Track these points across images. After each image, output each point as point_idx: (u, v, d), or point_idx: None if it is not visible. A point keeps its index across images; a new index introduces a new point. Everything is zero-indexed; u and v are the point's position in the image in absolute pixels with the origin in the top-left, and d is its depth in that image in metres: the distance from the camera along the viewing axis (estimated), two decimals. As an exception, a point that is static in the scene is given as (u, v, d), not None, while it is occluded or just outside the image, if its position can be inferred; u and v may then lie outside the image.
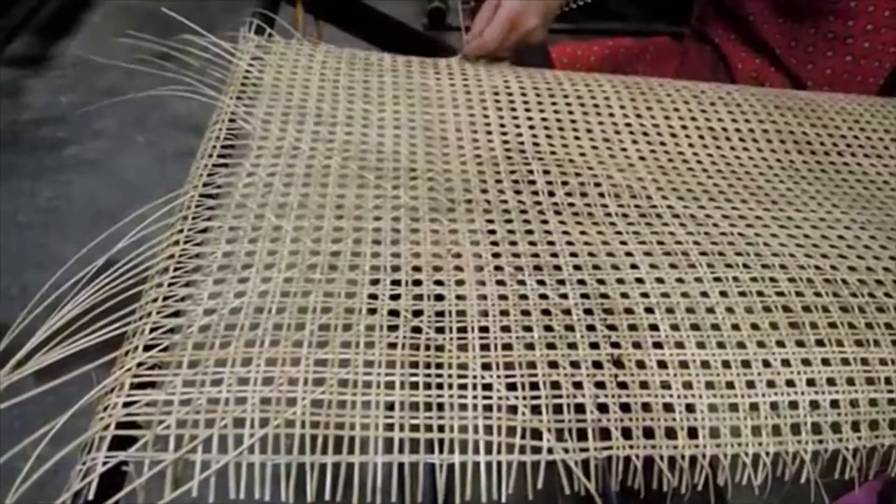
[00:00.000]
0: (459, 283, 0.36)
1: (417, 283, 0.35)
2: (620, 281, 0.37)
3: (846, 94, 0.59)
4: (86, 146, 1.74)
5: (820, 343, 0.35)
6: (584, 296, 0.36)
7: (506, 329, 0.33)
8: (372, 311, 0.34)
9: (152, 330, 0.32)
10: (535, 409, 0.31)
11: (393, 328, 0.33)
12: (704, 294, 0.36)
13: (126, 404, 0.29)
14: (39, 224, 1.52)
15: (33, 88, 1.92)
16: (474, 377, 0.31)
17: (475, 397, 0.31)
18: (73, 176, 1.66)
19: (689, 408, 0.32)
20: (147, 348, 0.31)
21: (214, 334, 0.32)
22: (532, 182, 0.44)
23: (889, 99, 0.59)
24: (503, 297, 0.35)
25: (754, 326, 0.35)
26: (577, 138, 0.48)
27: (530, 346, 0.33)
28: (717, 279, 0.37)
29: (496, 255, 0.38)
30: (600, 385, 0.32)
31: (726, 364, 0.34)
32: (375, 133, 0.47)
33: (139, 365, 0.30)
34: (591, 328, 0.34)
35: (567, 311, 0.35)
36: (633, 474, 0.31)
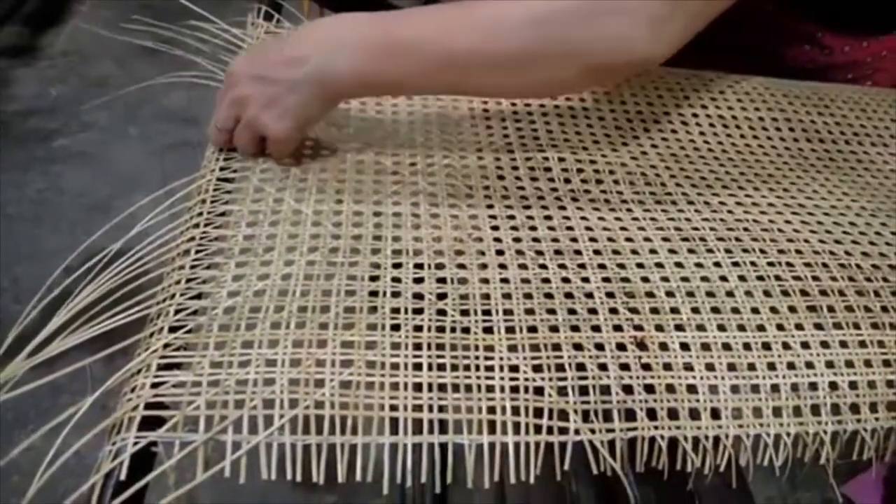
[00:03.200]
0: (482, 266, 0.36)
1: (440, 266, 0.35)
2: (640, 265, 0.37)
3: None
4: (76, 138, 1.72)
5: (837, 326, 0.35)
6: (606, 279, 0.36)
7: (530, 312, 0.34)
8: (396, 295, 0.34)
9: (177, 312, 0.31)
10: (562, 391, 0.31)
11: (418, 311, 0.33)
12: (723, 278, 0.37)
13: (154, 385, 0.28)
14: (30, 216, 1.50)
15: (22, 79, 1.89)
16: (501, 359, 0.31)
17: (502, 379, 0.31)
18: (63, 168, 1.64)
19: (713, 389, 0.32)
20: (172, 330, 0.31)
21: (240, 316, 0.31)
22: (548, 169, 0.44)
23: (894, 91, 0.60)
24: (526, 281, 0.35)
25: (773, 310, 0.35)
26: (589, 126, 0.49)
27: (555, 329, 0.33)
28: (735, 264, 0.37)
29: (517, 240, 0.38)
30: (625, 367, 0.32)
31: (747, 346, 0.34)
32: (390, 120, 0.46)
33: (165, 346, 0.30)
34: (613, 311, 0.34)
35: (589, 295, 0.35)
36: (658, 455, 0.31)
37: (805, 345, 0.34)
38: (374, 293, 0.33)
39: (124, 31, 0.59)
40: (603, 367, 0.32)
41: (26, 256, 1.39)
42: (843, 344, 0.35)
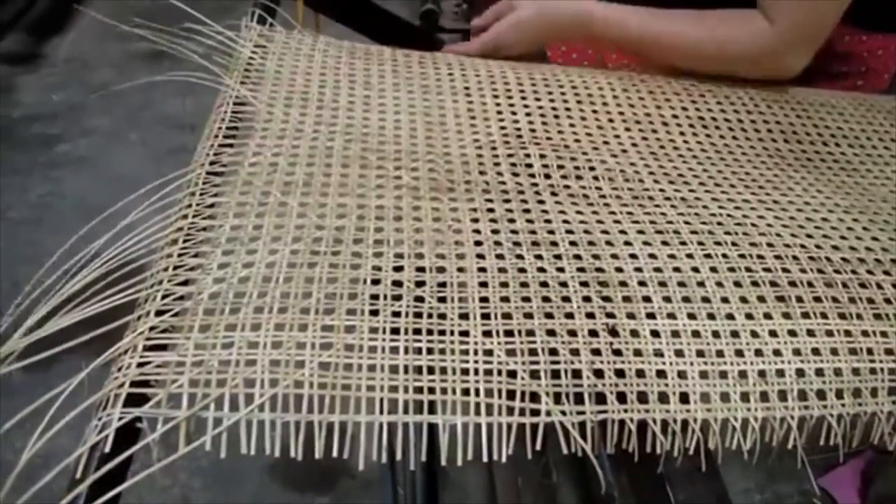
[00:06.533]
0: (460, 256, 0.37)
1: (420, 256, 0.37)
2: (615, 256, 0.38)
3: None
4: (77, 143, 1.74)
5: (805, 315, 0.36)
6: (581, 269, 0.37)
7: (505, 299, 0.35)
8: (376, 282, 0.35)
9: (164, 297, 0.33)
10: (534, 374, 0.32)
11: (397, 297, 0.34)
12: (695, 269, 0.38)
13: (139, 364, 0.30)
14: (31, 220, 1.52)
15: (25, 85, 1.92)
16: (475, 343, 0.32)
17: (476, 362, 0.32)
18: (64, 173, 1.66)
19: (681, 374, 0.33)
20: (159, 313, 0.32)
21: (224, 301, 0.33)
22: (529, 165, 0.45)
23: (869, 96, 0.61)
24: (502, 270, 0.36)
25: (743, 299, 0.37)
26: (571, 125, 0.50)
27: (529, 316, 0.34)
28: (707, 255, 0.39)
29: (495, 232, 0.39)
30: (596, 352, 0.33)
31: (716, 334, 0.35)
32: (376, 117, 0.48)
33: (152, 329, 0.31)
34: (587, 299, 0.35)
35: (564, 284, 0.36)
36: (628, 438, 0.32)
37: (773, 333, 0.35)
38: (354, 280, 0.35)
39: (122, 36, 0.60)
40: (575, 352, 0.33)
41: (27, 260, 1.41)
42: (811, 332, 0.36)
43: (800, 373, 0.35)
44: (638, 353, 0.34)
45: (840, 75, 0.63)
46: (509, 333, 0.33)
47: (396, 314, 0.33)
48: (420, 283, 0.35)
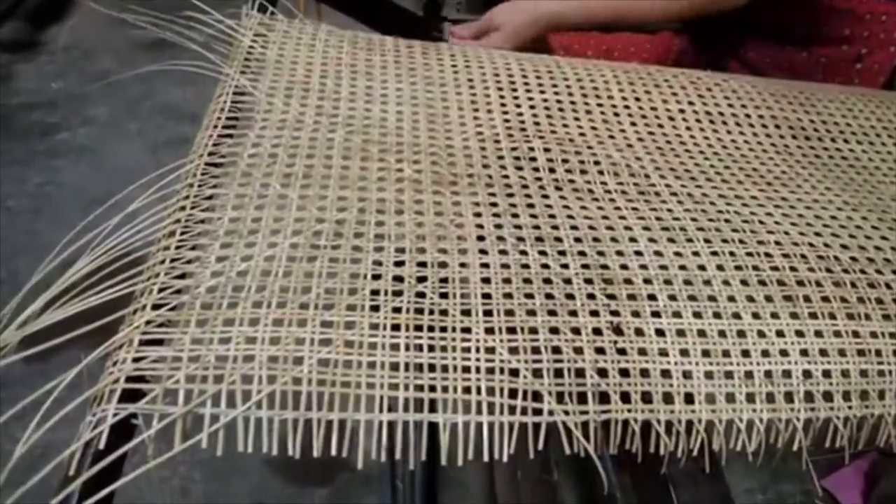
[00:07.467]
0: (462, 251, 0.36)
1: (421, 251, 0.36)
2: (620, 253, 0.37)
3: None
4: (77, 132, 1.73)
5: (813, 315, 0.36)
6: (585, 266, 0.36)
7: (508, 296, 0.34)
8: (376, 277, 0.34)
9: (160, 290, 0.32)
10: (537, 373, 0.31)
11: (398, 293, 0.33)
12: (701, 267, 0.37)
13: (135, 359, 0.29)
14: (29, 210, 1.51)
15: (23, 74, 1.91)
16: (477, 341, 0.32)
17: (478, 360, 0.31)
18: (63, 162, 1.65)
19: (686, 374, 0.33)
20: (155, 307, 0.31)
21: (222, 295, 0.32)
22: (533, 159, 0.45)
23: (880, 91, 0.60)
24: (505, 266, 0.36)
25: (750, 298, 0.36)
26: (576, 119, 0.49)
27: (532, 313, 0.34)
28: (714, 253, 0.38)
29: (498, 227, 0.38)
30: (600, 351, 0.33)
31: (722, 333, 0.34)
32: (378, 109, 0.47)
33: (148, 323, 0.30)
34: (591, 297, 0.35)
35: (568, 280, 0.35)
36: (631, 438, 0.32)
37: (780, 333, 0.35)
38: (354, 275, 0.34)
39: (122, 25, 0.60)
40: (578, 350, 0.32)
41: (25, 249, 1.40)
42: (818, 333, 0.35)
43: (807, 374, 0.34)
44: (642, 352, 0.33)
45: (844, 40, 0.63)
46: (512, 331, 0.33)
47: (397, 310, 0.33)
48: (421, 279, 0.34)
